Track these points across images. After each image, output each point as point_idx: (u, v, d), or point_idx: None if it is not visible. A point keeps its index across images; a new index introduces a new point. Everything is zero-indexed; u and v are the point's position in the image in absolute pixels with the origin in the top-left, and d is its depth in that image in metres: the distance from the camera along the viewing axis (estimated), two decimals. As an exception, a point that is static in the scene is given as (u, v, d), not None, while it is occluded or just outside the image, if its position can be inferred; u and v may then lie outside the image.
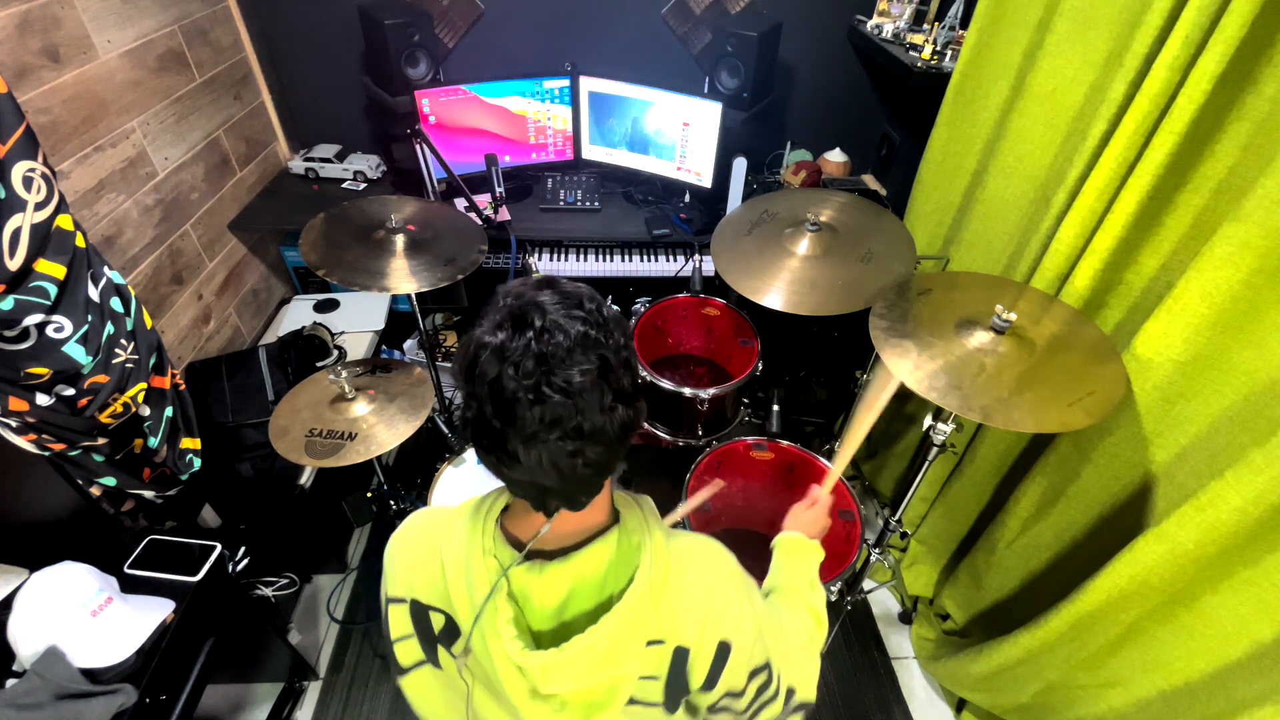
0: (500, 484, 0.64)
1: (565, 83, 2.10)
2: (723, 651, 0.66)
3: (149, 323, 1.30)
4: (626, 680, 0.64)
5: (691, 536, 0.72)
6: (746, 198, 1.91)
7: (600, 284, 2.10)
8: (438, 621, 0.67)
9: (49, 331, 1.06)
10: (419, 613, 0.68)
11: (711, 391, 1.61)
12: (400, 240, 1.48)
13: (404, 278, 1.41)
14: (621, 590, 0.62)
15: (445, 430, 1.89)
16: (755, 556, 0.93)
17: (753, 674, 0.70)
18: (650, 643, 0.64)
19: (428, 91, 1.96)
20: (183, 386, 1.44)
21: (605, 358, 0.56)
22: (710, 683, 0.67)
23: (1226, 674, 1.06)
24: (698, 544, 0.71)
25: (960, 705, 1.73)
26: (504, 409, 0.54)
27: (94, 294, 1.14)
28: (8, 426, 1.10)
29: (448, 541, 0.66)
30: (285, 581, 1.75)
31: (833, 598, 1.30)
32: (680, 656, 0.65)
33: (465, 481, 1.49)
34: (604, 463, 0.59)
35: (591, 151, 2.25)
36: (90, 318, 1.12)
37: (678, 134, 2.05)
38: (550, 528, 0.63)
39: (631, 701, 0.66)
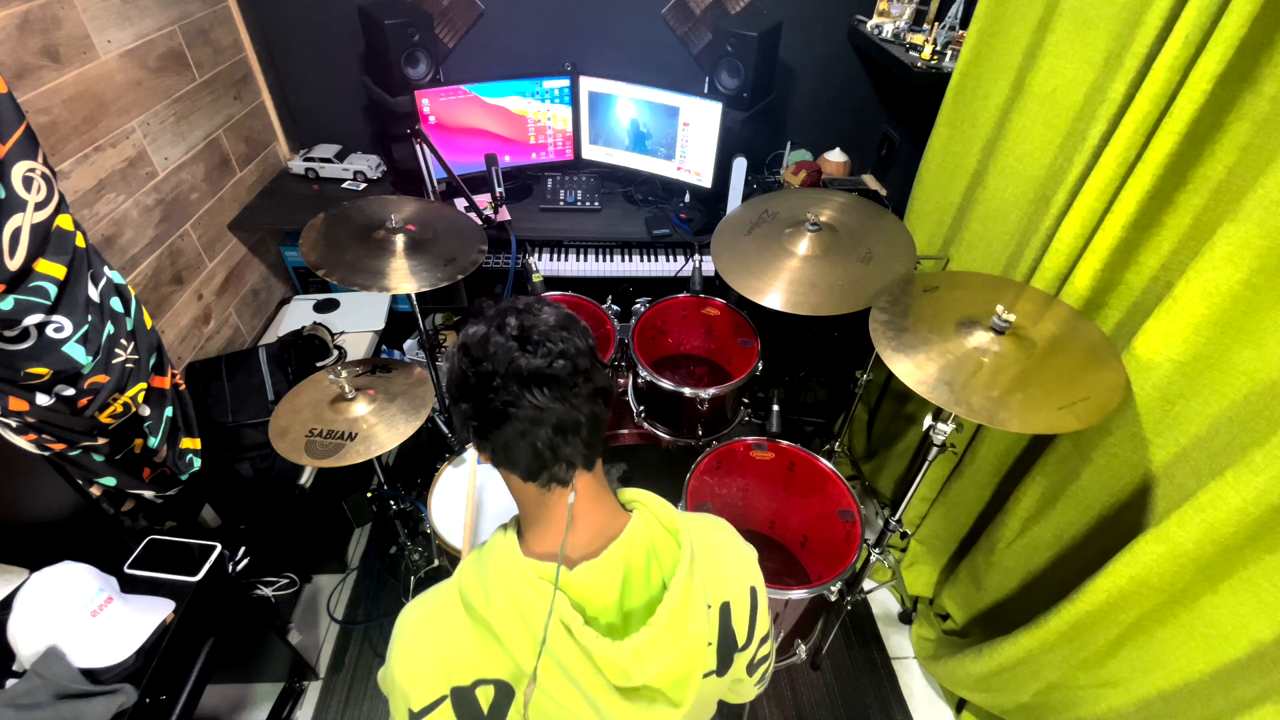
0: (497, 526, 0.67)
1: (565, 83, 2.10)
2: (754, 596, 0.73)
3: (149, 323, 1.30)
4: (700, 648, 0.66)
5: (692, 513, 0.77)
6: (746, 198, 1.91)
7: (600, 284, 2.11)
8: (485, 697, 0.63)
9: (49, 331, 1.06)
10: (462, 700, 0.63)
11: (711, 391, 1.61)
12: (400, 240, 1.48)
13: (404, 278, 1.41)
14: (674, 563, 0.65)
15: (445, 430, 1.89)
16: (755, 557, 0.94)
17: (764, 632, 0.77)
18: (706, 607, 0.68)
19: (428, 91, 1.96)
20: (183, 386, 1.44)
21: (578, 326, 0.65)
22: (750, 632, 0.73)
23: (1226, 674, 1.06)
24: (703, 515, 0.78)
25: (960, 705, 1.73)
26: (496, 357, 0.59)
27: (94, 294, 1.14)
28: (8, 426, 1.10)
29: (476, 596, 0.63)
30: (285, 581, 1.75)
31: (833, 598, 1.31)
32: (725, 613, 0.70)
33: (465, 482, 1.48)
34: (600, 392, 0.63)
35: (591, 151, 2.25)
36: (90, 318, 1.12)
37: (678, 134, 2.05)
38: (576, 532, 0.65)
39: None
